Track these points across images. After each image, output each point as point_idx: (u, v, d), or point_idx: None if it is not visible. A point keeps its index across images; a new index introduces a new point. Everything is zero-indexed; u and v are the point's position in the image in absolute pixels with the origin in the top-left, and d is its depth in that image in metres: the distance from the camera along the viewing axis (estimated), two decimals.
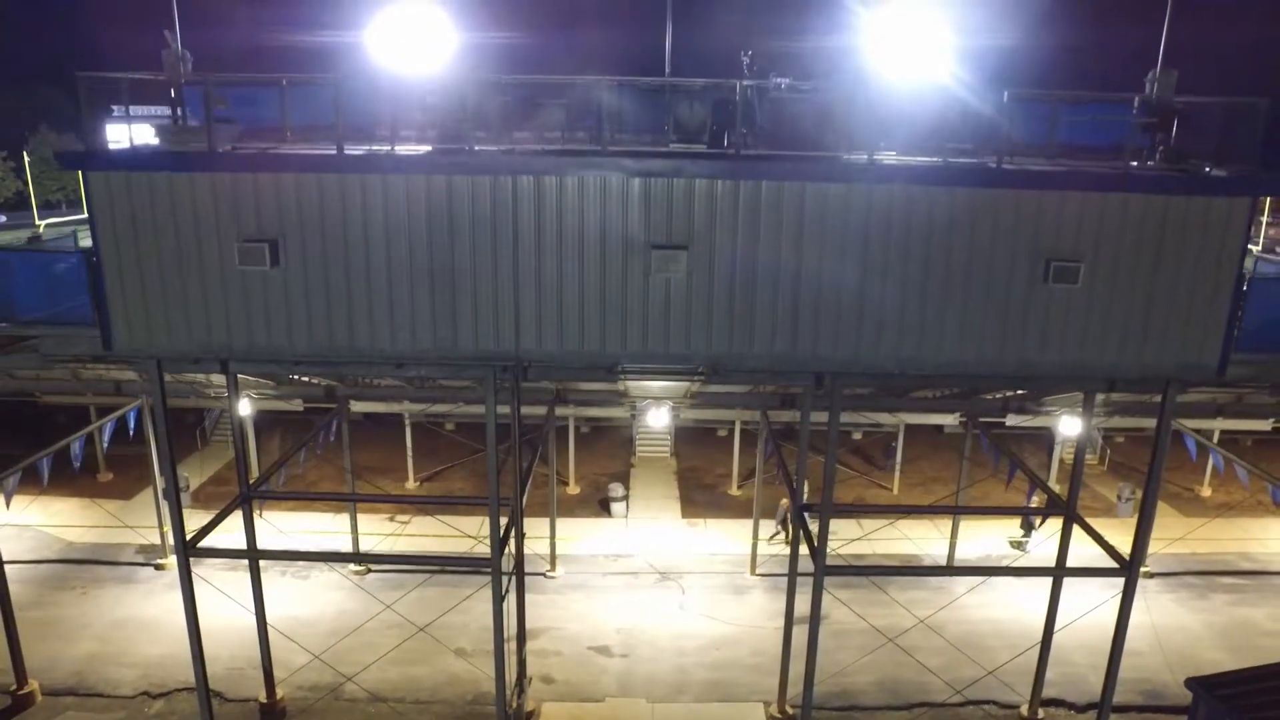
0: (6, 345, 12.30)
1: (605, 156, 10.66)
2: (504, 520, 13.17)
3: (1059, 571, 14.64)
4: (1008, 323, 11.36)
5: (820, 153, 11.52)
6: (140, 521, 23.48)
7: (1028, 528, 22.27)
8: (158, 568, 21.66)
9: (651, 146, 12.36)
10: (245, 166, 10.86)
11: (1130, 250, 11.13)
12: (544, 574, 21.40)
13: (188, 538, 13.65)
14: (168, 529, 21.61)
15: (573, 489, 26.33)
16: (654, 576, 21.56)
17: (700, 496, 26.23)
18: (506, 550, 13.61)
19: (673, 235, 10.90)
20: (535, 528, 20.24)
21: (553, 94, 12.25)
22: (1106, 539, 14.09)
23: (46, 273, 12.05)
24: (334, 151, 10.95)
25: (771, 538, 22.51)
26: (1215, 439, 23.89)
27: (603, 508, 24.97)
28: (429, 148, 12.07)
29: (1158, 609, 19.95)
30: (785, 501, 22.53)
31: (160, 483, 21.56)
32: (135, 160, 10.89)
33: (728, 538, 23.46)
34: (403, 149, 12.47)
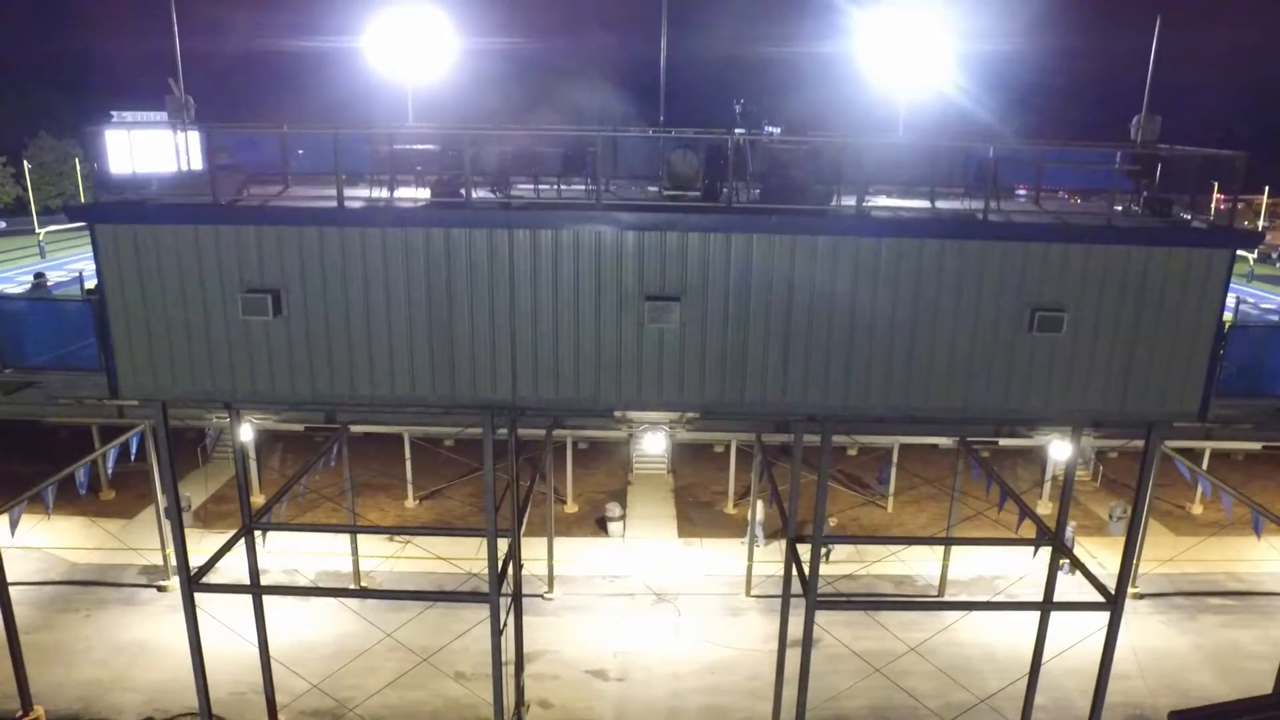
0: (15, 389, 12.55)
1: (599, 210, 10.90)
2: (502, 552, 13.46)
3: (1046, 606, 14.92)
4: (993, 369, 11.63)
5: (811, 205, 11.73)
6: (142, 540, 23.77)
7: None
8: (160, 589, 21.94)
9: (646, 192, 12.63)
10: (247, 220, 11.11)
11: (1113, 299, 11.39)
12: (542, 595, 21.67)
13: (191, 572, 13.93)
14: (170, 551, 21.89)
15: (570, 507, 26.61)
16: (650, 598, 21.84)
17: (696, 515, 26.51)
18: (505, 578, 13.88)
19: (666, 286, 11.16)
20: (533, 548, 20.53)
21: (550, 143, 12.48)
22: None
23: (54, 319, 12.29)
24: (334, 204, 11.20)
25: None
26: (1206, 456, 24.18)
27: (600, 526, 25.25)
28: (428, 189, 12.34)
29: (1147, 631, 20.26)
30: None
31: (163, 502, 21.82)
32: (140, 214, 11.13)
33: (723, 557, 23.74)
34: (402, 192, 12.77)
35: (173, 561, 21.82)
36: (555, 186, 12.80)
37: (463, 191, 11.40)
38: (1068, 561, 14.73)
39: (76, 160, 79.08)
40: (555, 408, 11.84)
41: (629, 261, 11.06)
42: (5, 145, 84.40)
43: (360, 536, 21.78)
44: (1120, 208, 12.90)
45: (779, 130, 12.23)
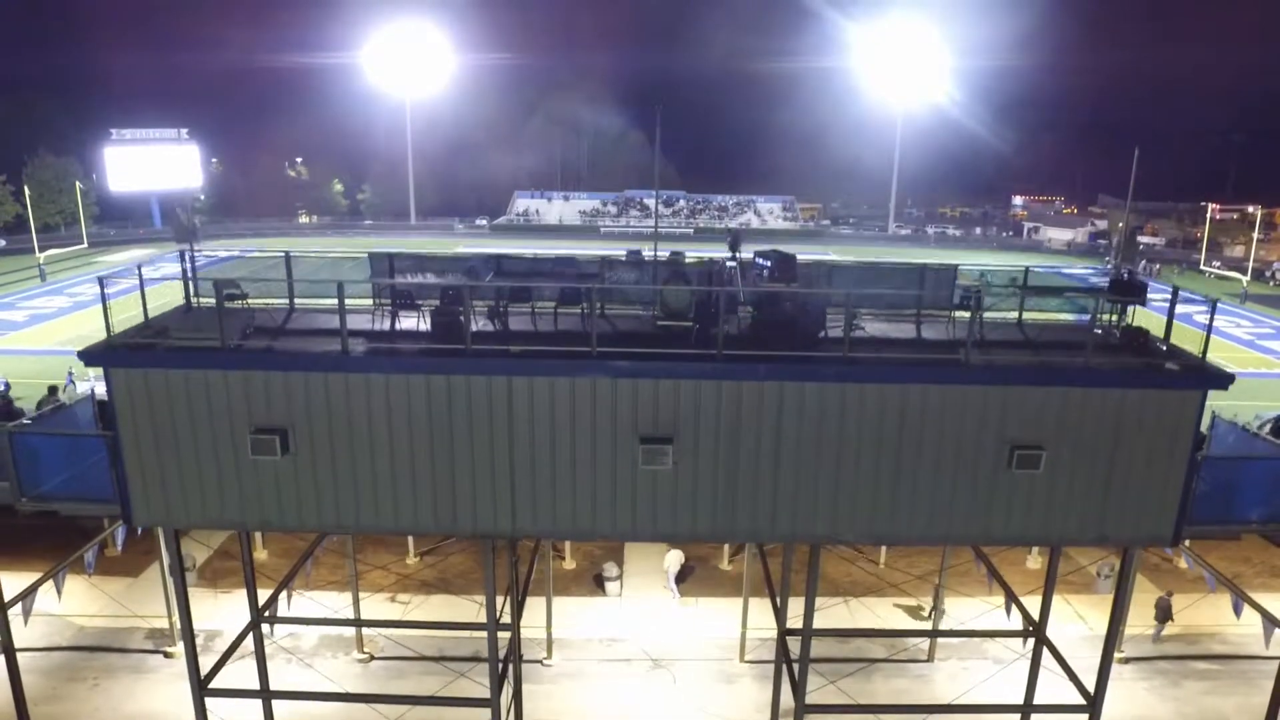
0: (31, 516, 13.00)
1: (595, 359, 11.33)
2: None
3: (1026, 709, 15.39)
4: (974, 502, 12.09)
5: (800, 334, 12.18)
6: (148, 598, 24.20)
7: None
8: (167, 655, 22.39)
9: (640, 320, 13.06)
10: (255, 365, 11.55)
11: (1090, 436, 11.85)
12: (540, 661, 22.13)
13: (201, 675, 14.37)
14: (175, 619, 22.32)
15: (569, 563, 27.06)
16: (647, 664, 22.29)
17: (693, 571, 26.96)
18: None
19: (659, 428, 11.61)
20: (532, 608, 20.96)
21: (548, 278, 12.91)
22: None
23: (70, 449, 12.73)
24: (338, 347, 11.63)
25: None
26: None
27: (597, 584, 25.70)
28: (428, 319, 12.78)
29: (1132, 699, 20.74)
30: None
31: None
32: (152, 359, 11.56)
33: (719, 617, 24.18)
34: (404, 321, 13.20)
35: (178, 625, 22.30)
36: (553, 314, 13.22)
37: (462, 314, 11.77)
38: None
39: (77, 183, 79.70)
40: (553, 535, 12.28)
41: (623, 405, 11.51)
42: (5, 163, 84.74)
43: (362, 597, 22.22)
44: (1100, 330, 13.35)
45: (770, 264, 12.64)
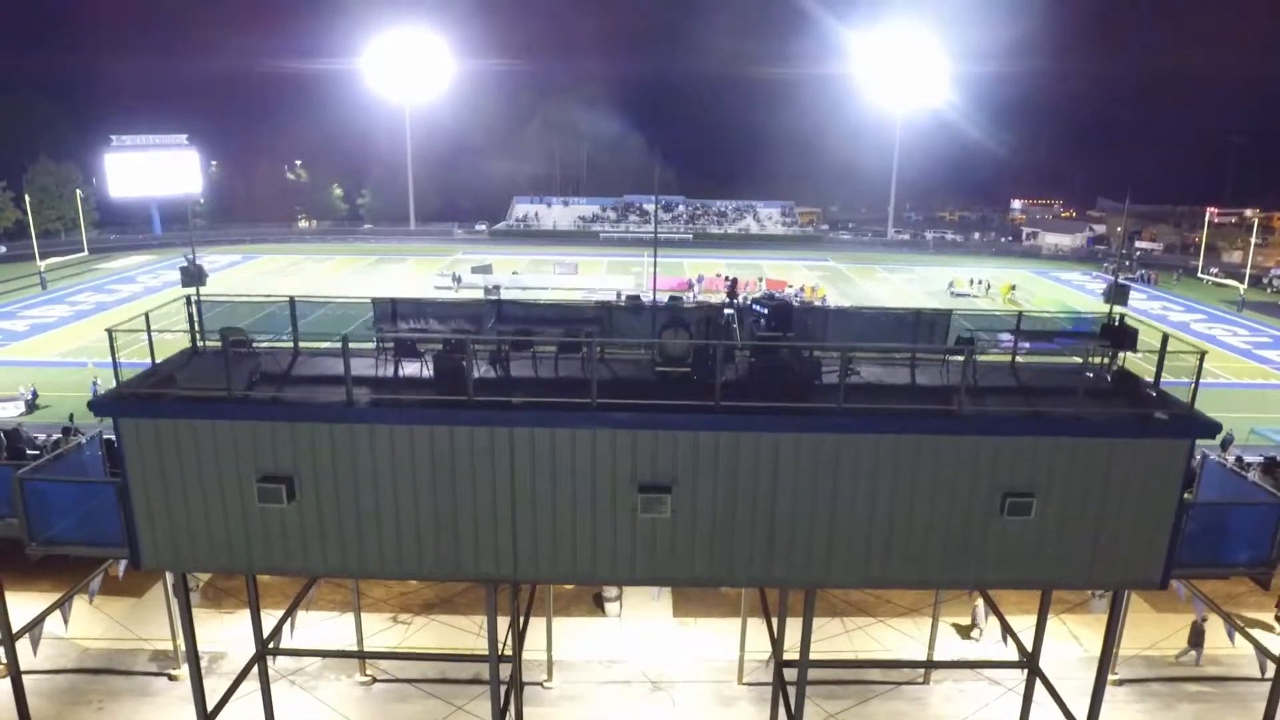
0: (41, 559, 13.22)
1: (594, 411, 11.56)
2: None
3: None
4: (967, 547, 12.32)
5: (796, 382, 12.42)
6: (151, 621, 24.39)
7: None
8: (171, 678, 22.61)
9: (638, 364, 13.28)
10: (261, 415, 11.77)
11: (1080, 483, 12.08)
12: (541, 684, 22.36)
13: (208, 710, 14.61)
14: (180, 642, 22.54)
15: (568, 584, 27.29)
16: (646, 685, 22.53)
17: (692, 590, 27.19)
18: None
19: (657, 476, 11.84)
20: (532, 627, 21.18)
21: (549, 324, 13.13)
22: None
23: (79, 495, 12.95)
24: (344, 398, 11.86)
25: None
26: None
27: (597, 604, 25.92)
28: (431, 365, 13.00)
29: None
30: None
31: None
32: (161, 410, 11.79)
33: (717, 638, 24.41)
34: (408, 366, 13.42)
35: (182, 647, 22.53)
36: (553, 362, 13.44)
37: (464, 360, 11.99)
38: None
39: (77, 191, 79.76)
40: (553, 580, 12.51)
41: (623, 455, 11.74)
42: (5, 169, 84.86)
43: (364, 618, 22.44)
44: (1091, 374, 13.59)
45: (767, 312, 12.87)
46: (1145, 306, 68.75)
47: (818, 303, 62.66)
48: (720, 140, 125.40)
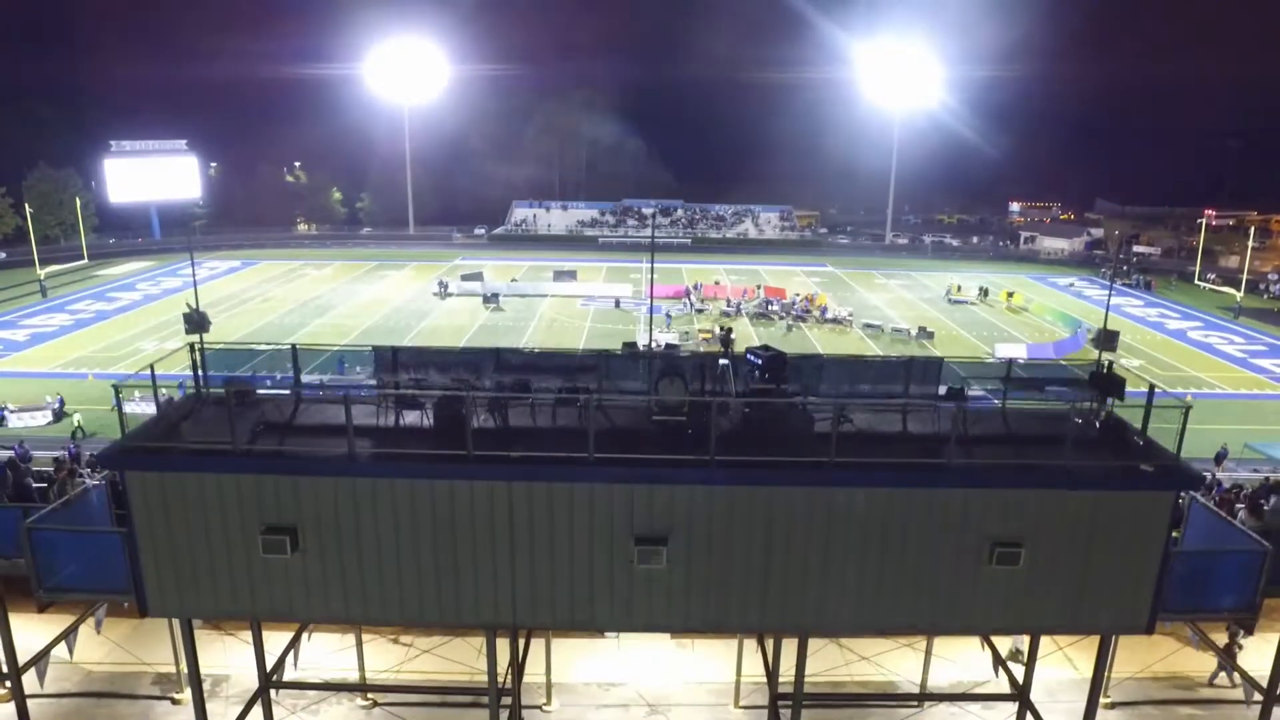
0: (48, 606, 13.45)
1: (591, 466, 11.81)
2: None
3: None
4: (956, 595, 12.59)
5: (788, 458, 12.62)
6: (154, 644, 24.63)
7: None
8: (174, 702, 22.86)
9: (635, 412, 13.53)
10: (265, 469, 12.02)
11: (1068, 532, 12.34)
12: (540, 707, 22.63)
13: None
14: (183, 666, 22.80)
15: None
16: (644, 709, 22.79)
17: None
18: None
19: (654, 528, 12.09)
20: (532, 650, 21.44)
21: (546, 372, 13.37)
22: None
23: (88, 543, 13.21)
24: (345, 451, 12.11)
25: None
26: None
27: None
28: (432, 418, 13.25)
29: None
30: None
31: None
32: (167, 463, 12.03)
33: (713, 660, 24.65)
34: (409, 413, 13.66)
35: (185, 670, 22.80)
36: (551, 411, 13.68)
37: (464, 411, 12.22)
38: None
39: (77, 199, 79.98)
40: (552, 626, 12.76)
41: (619, 508, 12.00)
42: (4, 174, 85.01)
43: (366, 641, 22.71)
44: (1080, 419, 13.84)
45: (761, 362, 13.11)
46: (1142, 314, 69.09)
47: (818, 311, 62.96)
48: (719, 143, 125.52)
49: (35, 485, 18.26)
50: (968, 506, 12.13)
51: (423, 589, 12.48)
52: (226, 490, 12.09)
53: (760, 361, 13.08)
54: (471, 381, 12.98)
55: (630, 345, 14.31)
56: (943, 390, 14.12)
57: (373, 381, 13.49)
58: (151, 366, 12.87)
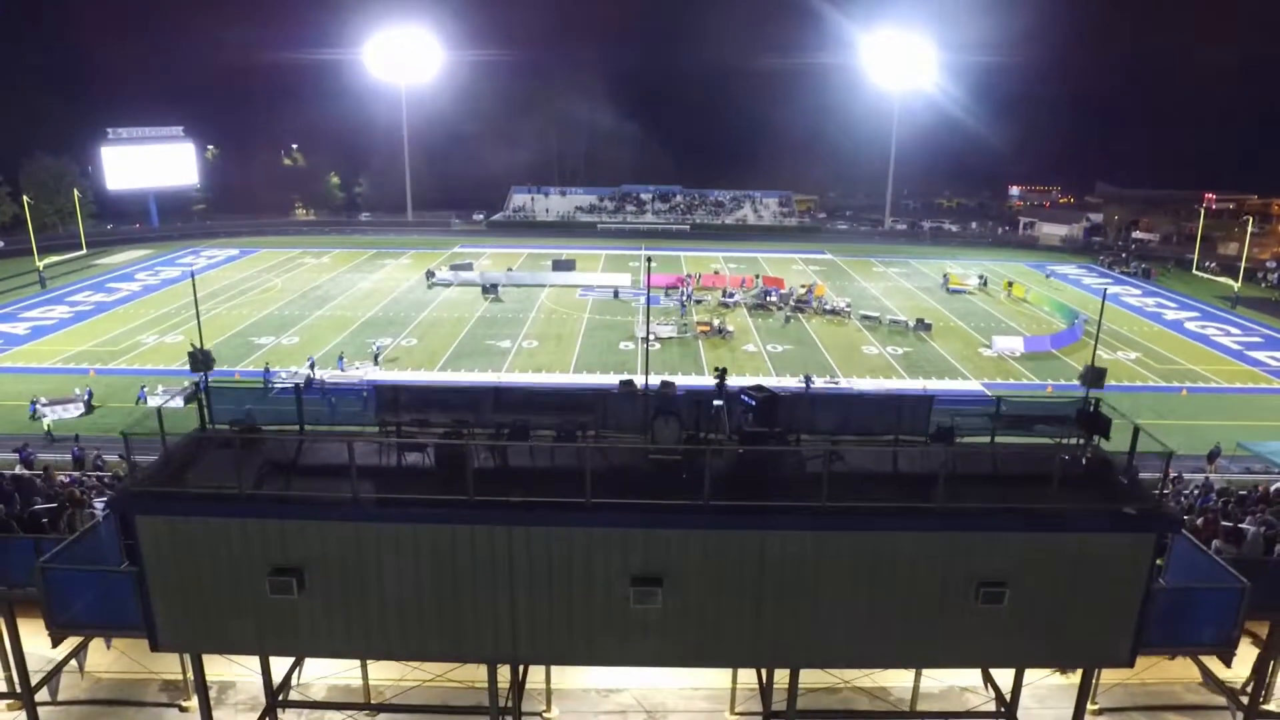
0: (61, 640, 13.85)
1: (589, 511, 12.14)
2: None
3: None
4: (942, 632, 12.97)
5: (780, 502, 12.93)
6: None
7: None
8: (181, 709, 23.35)
9: (631, 450, 13.85)
10: (271, 514, 12.35)
11: (1051, 572, 12.70)
12: (540, 714, 23.14)
13: None
14: (190, 674, 23.27)
15: None
16: (642, 715, 23.31)
17: None
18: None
19: (650, 569, 12.44)
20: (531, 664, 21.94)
21: (544, 411, 13.66)
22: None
23: (99, 578, 13.56)
24: (349, 493, 12.43)
25: None
26: None
27: None
28: (433, 459, 13.56)
29: None
30: None
31: None
32: (175, 508, 12.36)
33: (710, 668, 25.18)
34: (409, 456, 13.96)
35: (192, 677, 23.27)
36: (550, 454, 13.99)
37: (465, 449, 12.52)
38: None
39: (75, 190, 79.80)
40: (552, 662, 13.15)
41: (615, 550, 12.35)
42: (1, 163, 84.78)
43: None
44: (1067, 456, 14.15)
45: (755, 404, 13.40)
46: (1140, 303, 69.29)
47: (817, 302, 63.09)
48: (718, 129, 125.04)
49: (43, 506, 18.54)
50: (954, 547, 12.48)
51: (424, 626, 12.85)
52: (234, 533, 12.42)
53: (754, 404, 13.37)
54: (471, 423, 13.27)
55: (627, 384, 14.58)
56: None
57: (374, 427, 13.79)
58: (159, 411, 13.15)
